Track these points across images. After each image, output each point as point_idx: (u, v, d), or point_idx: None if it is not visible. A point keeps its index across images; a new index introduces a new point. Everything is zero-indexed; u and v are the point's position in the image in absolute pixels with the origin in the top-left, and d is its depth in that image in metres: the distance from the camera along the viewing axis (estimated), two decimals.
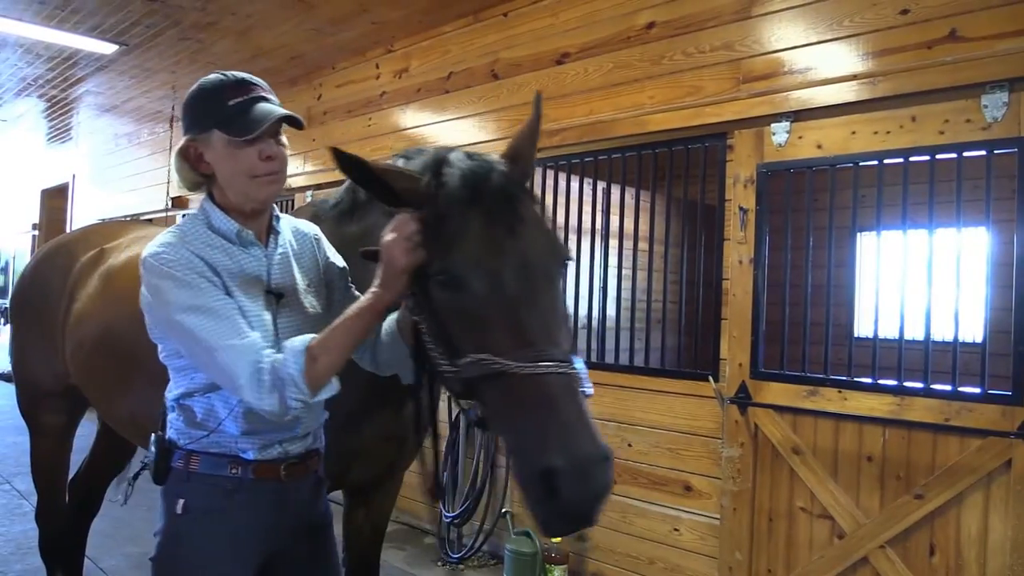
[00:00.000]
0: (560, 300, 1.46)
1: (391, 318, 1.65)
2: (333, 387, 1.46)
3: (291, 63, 5.75)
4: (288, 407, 1.40)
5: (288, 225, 1.72)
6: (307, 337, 1.43)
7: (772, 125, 3.29)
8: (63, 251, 3.00)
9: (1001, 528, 2.67)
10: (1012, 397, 2.66)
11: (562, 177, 4.26)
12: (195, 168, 1.57)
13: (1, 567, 3.86)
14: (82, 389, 2.73)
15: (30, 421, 3.08)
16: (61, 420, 3.02)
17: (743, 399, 3.32)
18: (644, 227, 4.04)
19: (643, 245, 4.03)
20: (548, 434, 1.24)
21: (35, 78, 6.64)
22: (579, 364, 1.35)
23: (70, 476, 3.23)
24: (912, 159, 2.94)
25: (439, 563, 4.29)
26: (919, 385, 2.87)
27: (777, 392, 3.24)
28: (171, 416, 1.60)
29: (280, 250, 1.65)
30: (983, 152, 2.79)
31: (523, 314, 1.34)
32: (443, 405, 4.24)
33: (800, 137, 3.23)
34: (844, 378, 3.08)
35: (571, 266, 3.14)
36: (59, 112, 7.92)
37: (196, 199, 6.83)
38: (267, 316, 1.54)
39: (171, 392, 1.60)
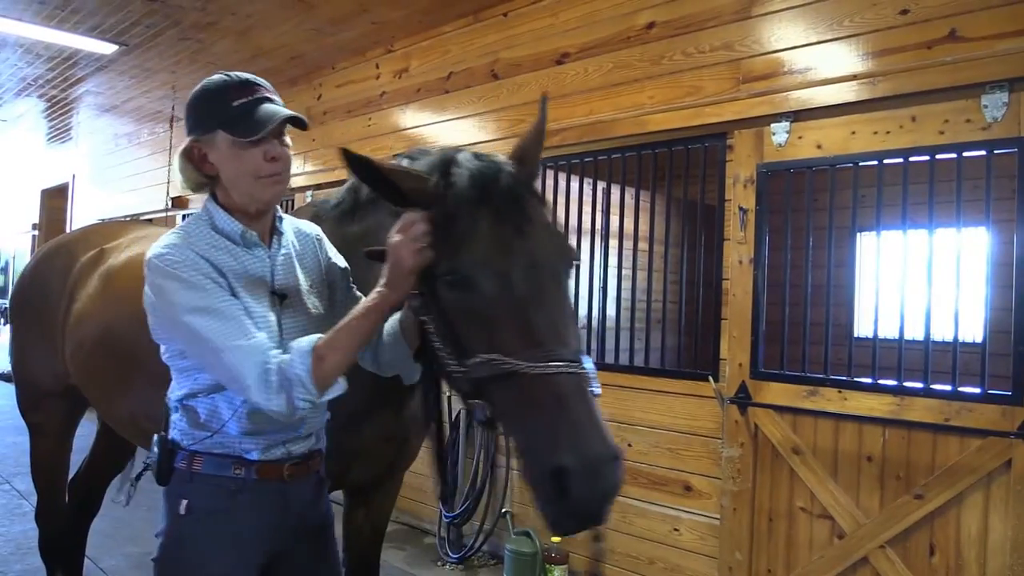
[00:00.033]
0: (568, 300, 1.48)
1: (393, 319, 1.65)
2: (340, 386, 1.46)
3: (291, 63, 5.75)
4: (296, 407, 1.40)
5: (290, 226, 1.72)
6: (313, 337, 1.43)
7: (772, 125, 3.29)
8: (63, 251, 3.00)
9: (1001, 528, 2.67)
10: (1012, 397, 2.66)
11: (562, 177, 4.26)
12: (199, 169, 1.57)
13: (1, 567, 3.86)
14: (82, 389, 2.73)
15: (30, 421, 3.08)
16: (61, 420, 3.02)
17: (743, 399, 3.32)
18: (644, 227, 4.04)
19: (643, 245, 4.03)
20: (559, 434, 1.25)
21: (35, 78, 6.64)
22: (588, 363, 1.36)
23: (70, 476, 3.23)
24: (912, 159, 2.94)
25: (439, 563, 4.29)
26: (919, 385, 2.87)
27: (777, 392, 3.24)
28: (174, 417, 1.60)
29: (283, 251, 1.65)
30: (983, 152, 2.79)
31: (533, 314, 1.35)
32: (443, 405, 4.23)
33: (800, 137, 3.23)
34: (844, 378, 3.08)
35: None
36: (59, 112, 7.92)
37: (196, 199, 6.83)
38: (272, 317, 1.54)
39: (174, 393, 1.60)
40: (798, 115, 3.22)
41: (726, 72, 3.47)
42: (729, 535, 3.35)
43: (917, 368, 2.91)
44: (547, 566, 3.78)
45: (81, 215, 9.71)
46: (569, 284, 1.52)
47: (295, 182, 5.88)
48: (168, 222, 7.65)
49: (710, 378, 3.43)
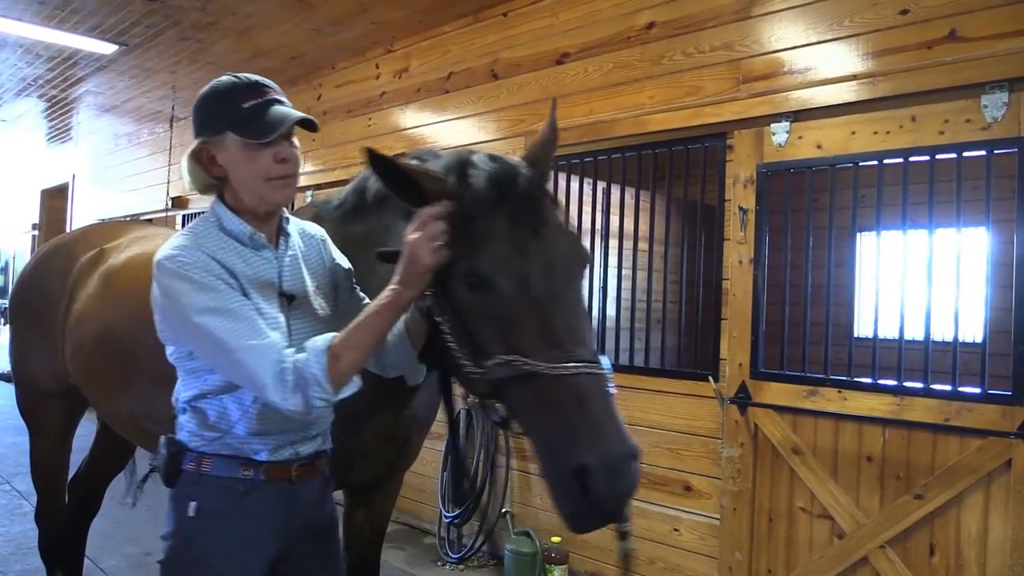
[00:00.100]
0: (583, 301, 1.49)
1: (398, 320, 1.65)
2: (354, 385, 1.47)
3: (291, 63, 5.75)
4: (312, 406, 1.40)
5: (296, 227, 1.72)
6: (328, 336, 1.43)
7: (772, 125, 3.29)
8: (63, 251, 3.00)
9: (1001, 528, 2.67)
10: (1012, 397, 2.66)
11: (562, 177, 4.26)
12: (207, 170, 1.57)
13: (1, 567, 3.86)
14: (82, 389, 2.73)
15: (30, 421, 3.08)
16: (61, 420, 3.02)
17: (743, 399, 3.32)
18: (644, 227, 4.04)
19: (643, 245, 4.03)
20: (580, 433, 1.28)
21: (35, 78, 6.64)
22: (606, 363, 1.39)
23: (70, 476, 3.23)
24: (912, 159, 2.94)
25: (439, 563, 4.29)
26: (919, 385, 2.87)
27: (777, 392, 3.24)
28: (182, 418, 1.60)
29: (290, 252, 1.65)
30: (983, 152, 2.79)
31: (551, 315, 1.37)
32: (442, 405, 4.23)
33: (800, 137, 3.23)
34: (844, 378, 3.08)
35: None
36: (59, 112, 7.92)
37: (196, 200, 6.83)
38: (282, 318, 1.54)
39: (182, 394, 1.59)
40: (798, 115, 3.22)
41: (726, 72, 3.47)
42: (729, 535, 3.35)
43: (917, 368, 2.91)
44: (547, 566, 3.78)
45: (81, 215, 9.71)
46: (582, 285, 1.54)
47: None
48: (168, 222, 7.65)
49: (710, 378, 3.43)
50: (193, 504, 1.53)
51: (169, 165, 7.85)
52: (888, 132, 2.98)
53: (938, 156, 2.89)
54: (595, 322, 4.18)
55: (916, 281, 3.07)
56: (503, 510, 4.21)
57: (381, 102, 5.35)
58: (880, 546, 2.92)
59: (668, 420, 3.61)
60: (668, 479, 3.60)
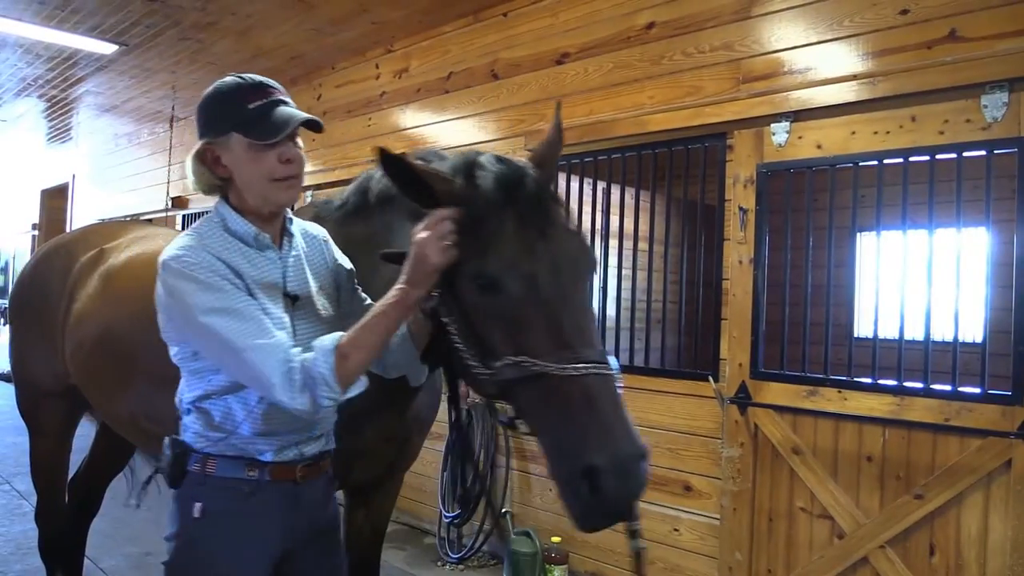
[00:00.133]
0: (590, 302, 1.51)
1: None
2: (361, 385, 1.47)
3: (291, 63, 5.75)
4: (320, 406, 1.40)
5: (298, 228, 1.72)
6: (335, 335, 1.43)
7: (772, 125, 3.29)
8: (62, 251, 2.99)
9: (1001, 528, 2.67)
10: (1012, 397, 2.66)
11: (562, 177, 4.26)
12: (212, 171, 1.57)
13: (1, 567, 3.86)
14: (82, 389, 2.72)
15: (30, 421, 3.08)
16: (61, 420, 3.02)
17: (743, 399, 3.32)
18: (644, 227, 4.04)
19: (643, 245, 4.03)
20: (589, 434, 1.29)
21: (35, 78, 6.64)
22: (614, 363, 1.40)
23: (70, 476, 3.23)
24: (912, 159, 2.94)
25: (439, 563, 4.29)
26: (919, 385, 2.87)
27: (777, 392, 3.24)
28: (187, 419, 1.60)
29: (294, 253, 1.65)
30: (983, 152, 2.79)
31: (559, 316, 1.38)
32: (442, 405, 4.23)
33: (800, 137, 3.23)
34: (844, 378, 3.08)
35: None
36: (59, 112, 7.92)
37: (196, 200, 6.82)
38: (287, 318, 1.54)
39: (186, 395, 1.59)
40: (798, 115, 3.22)
41: (726, 72, 3.47)
42: (729, 535, 3.35)
43: (917, 368, 2.91)
44: (547, 566, 3.78)
45: (81, 215, 9.72)
46: (589, 286, 1.55)
47: None
48: (168, 222, 7.65)
49: (710, 378, 3.43)
50: (198, 505, 1.53)
51: (169, 165, 7.85)
52: (888, 132, 2.98)
53: (938, 156, 2.89)
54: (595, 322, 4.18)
55: (916, 281, 3.07)
56: (503, 510, 4.21)
57: (381, 102, 5.35)
58: (880, 546, 2.92)
59: (668, 420, 3.61)
60: (668, 479, 3.59)
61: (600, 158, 4.03)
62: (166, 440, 1.60)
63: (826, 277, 3.21)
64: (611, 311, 4.19)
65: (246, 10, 4.78)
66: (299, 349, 1.43)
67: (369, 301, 1.75)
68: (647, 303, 3.90)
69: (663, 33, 3.72)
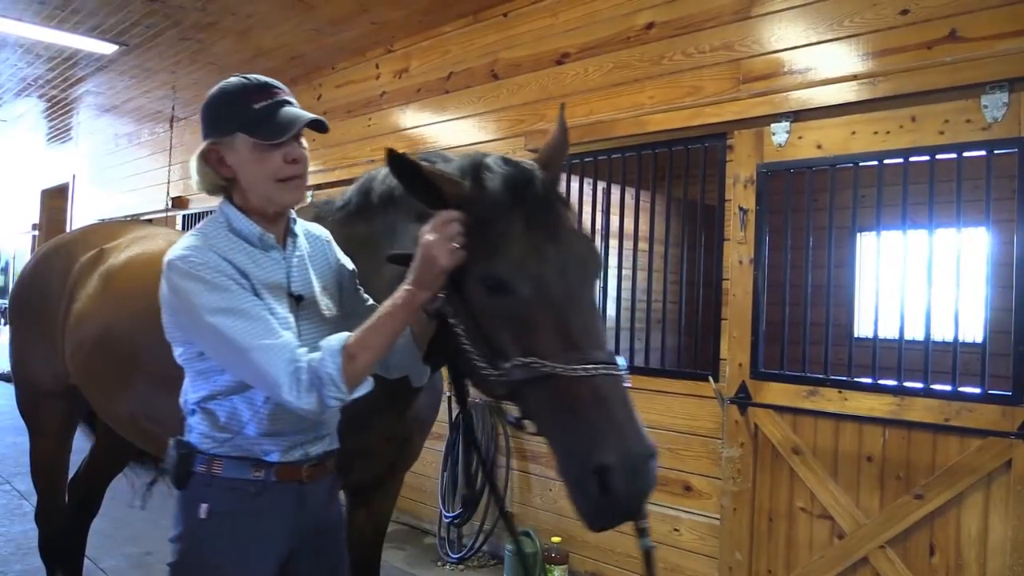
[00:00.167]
0: (597, 303, 1.51)
1: None
2: (367, 385, 1.47)
3: (291, 63, 5.75)
4: (326, 406, 1.41)
5: (301, 228, 1.72)
6: (342, 335, 1.43)
7: (772, 125, 3.29)
8: (62, 251, 2.99)
9: (1001, 528, 2.67)
10: (1012, 397, 2.66)
11: (562, 177, 4.26)
12: (216, 171, 1.57)
13: (1, 567, 3.86)
14: (82, 389, 2.72)
15: (30, 421, 3.08)
16: (61, 420, 3.02)
17: (743, 399, 3.32)
18: (644, 227, 4.04)
19: (643, 245, 4.02)
20: (600, 434, 1.30)
21: (35, 78, 6.65)
22: (622, 363, 1.40)
23: (70, 476, 3.23)
24: (912, 159, 2.94)
25: (439, 563, 4.29)
26: (919, 385, 2.87)
27: (777, 392, 3.24)
28: (192, 420, 1.59)
29: (297, 253, 1.65)
30: (983, 152, 2.79)
31: (568, 317, 1.40)
32: (443, 406, 4.24)
33: (800, 137, 3.23)
34: (844, 378, 3.08)
35: None
36: (59, 112, 7.92)
37: (196, 200, 6.80)
38: (292, 318, 1.55)
39: (191, 395, 1.59)
40: (798, 115, 3.22)
41: (726, 72, 3.47)
42: (729, 535, 3.35)
43: (917, 368, 2.91)
44: (547, 566, 3.78)
45: (81, 215, 9.72)
46: (596, 287, 1.56)
47: None
48: (168, 222, 7.65)
49: (710, 378, 3.43)
50: (204, 506, 1.53)
51: (169, 165, 7.86)
52: (888, 132, 2.98)
53: (938, 156, 2.89)
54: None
55: (916, 281, 3.07)
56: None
57: (381, 102, 5.35)
58: (880, 546, 2.92)
59: (668, 420, 3.61)
60: (668, 479, 3.59)
61: (600, 158, 4.03)
62: (171, 441, 1.59)
63: (826, 277, 3.21)
64: (611, 311, 4.18)
65: (246, 10, 4.79)
66: (305, 349, 1.43)
67: (371, 301, 1.75)
68: (647, 303, 3.90)
69: (663, 33, 3.72)
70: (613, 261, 4.14)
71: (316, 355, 1.41)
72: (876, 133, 3.01)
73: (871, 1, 3.03)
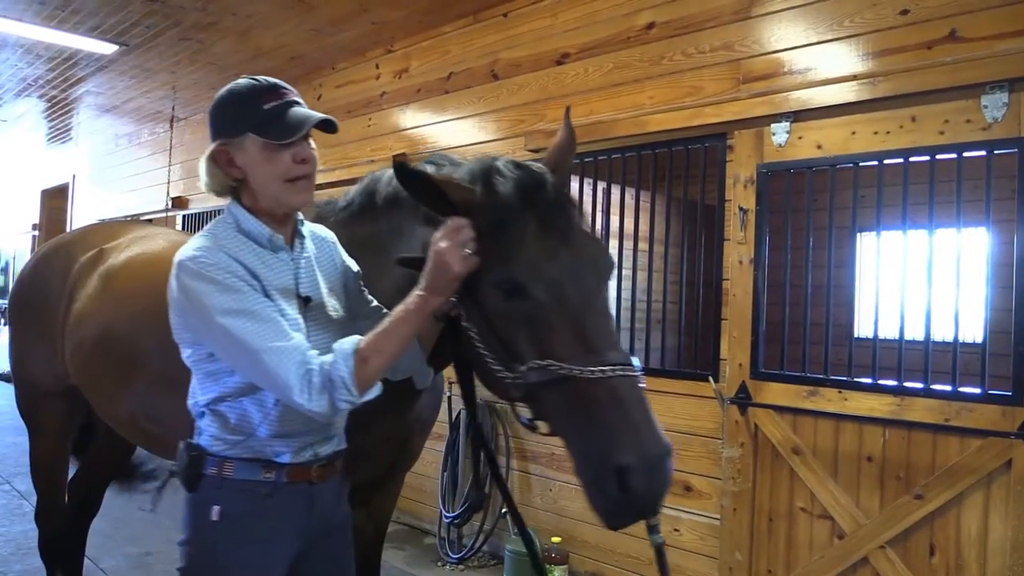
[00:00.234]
0: (610, 304, 1.53)
1: None
2: (377, 389, 1.48)
3: (291, 63, 5.75)
4: (337, 409, 1.41)
5: (308, 230, 1.72)
6: (354, 339, 1.43)
7: (772, 125, 3.29)
8: (62, 251, 2.99)
9: (1001, 528, 2.67)
10: (1012, 397, 2.66)
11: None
12: (225, 172, 1.57)
13: (1, 567, 3.86)
14: (82, 389, 2.72)
15: (30, 421, 3.08)
16: (61, 420, 3.02)
17: (743, 399, 3.32)
18: (644, 227, 4.04)
19: (643, 245, 4.02)
20: (619, 434, 1.32)
21: (35, 78, 6.65)
22: (637, 364, 1.42)
23: (70, 476, 3.22)
24: (912, 159, 2.94)
25: (439, 563, 4.29)
26: (919, 385, 2.87)
27: (777, 392, 3.24)
28: (201, 422, 1.59)
29: (305, 254, 1.65)
30: (983, 152, 2.79)
31: (584, 320, 1.41)
32: (443, 406, 4.24)
33: (800, 137, 3.23)
34: (844, 378, 3.08)
35: None
36: (59, 112, 7.92)
37: (196, 200, 6.80)
38: (302, 320, 1.55)
39: (200, 397, 1.58)
40: (798, 115, 3.22)
41: (726, 72, 3.47)
42: (729, 535, 3.35)
43: (917, 368, 2.91)
44: (547, 566, 3.78)
45: (81, 215, 9.72)
46: (609, 289, 1.58)
47: None
48: (168, 222, 7.65)
49: (710, 378, 3.43)
50: (216, 508, 1.52)
51: (169, 165, 7.86)
52: (888, 132, 2.98)
53: (938, 156, 2.89)
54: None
55: (916, 281, 3.07)
56: (503, 510, 4.20)
57: (381, 102, 5.35)
58: (880, 546, 2.91)
59: (668, 420, 3.61)
60: None
61: (600, 158, 4.03)
62: (181, 444, 1.59)
63: (826, 277, 3.21)
64: (611, 311, 4.18)
65: (246, 10, 4.79)
66: (316, 352, 1.43)
67: (375, 303, 1.75)
68: (647, 303, 3.90)
69: (663, 33, 3.72)
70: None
71: (328, 358, 1.41)
72: (876, 133, 3.01)
73: (871, 1, 3.03)
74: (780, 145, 3.27)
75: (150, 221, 7.34)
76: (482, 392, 1.63)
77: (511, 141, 4.36)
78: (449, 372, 1.80)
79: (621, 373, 1.36)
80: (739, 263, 3.39)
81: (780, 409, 3.22)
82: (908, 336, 2.99)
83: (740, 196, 3.39)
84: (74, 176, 10.17)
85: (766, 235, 3.33)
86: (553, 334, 1.40)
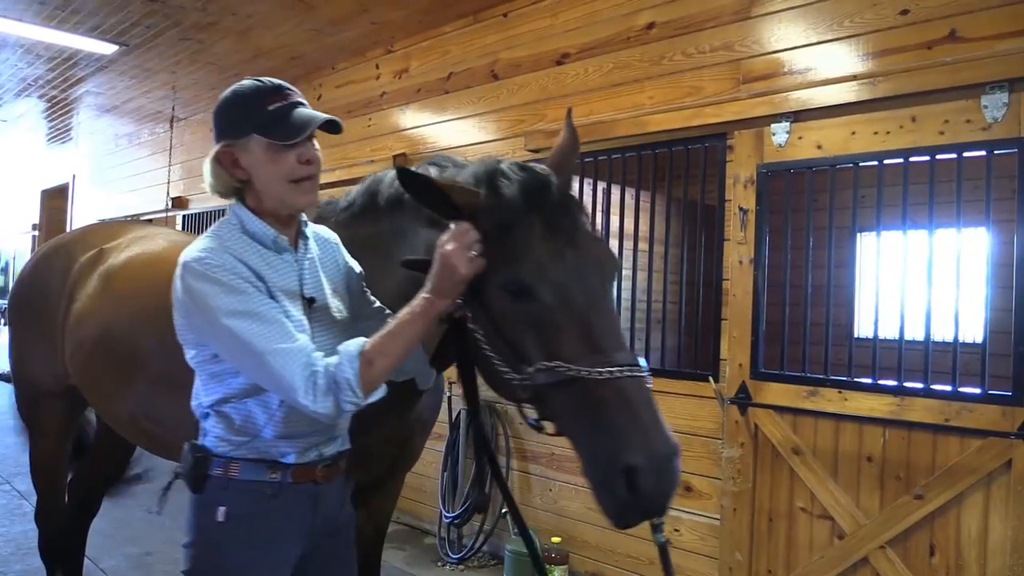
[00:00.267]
0: (615, 305, 1.52)
1: None
2: (381, 390, 1.48)
3: (291, 63, 5.75)
4: (342, 410, 1.41)
5: (311, 231, 1.72)
6: (359, 341, 1.43)
7: (772, 125, 3.29)
8: (62, 251, 2.99)
9: (1001, 528, 2.67)
10: (1012, 397, 2.66)
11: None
12: (229, 173, 1.56)
13: (1, 567, 3.86)
14: (82, 389, 2.72)
15: (30, 421, 3.08)
16: (61, 420, 3.02)
17: (743, 399, 3.32)
18: (644, 227, 4.04)
19: (643, 245, 4.02)
20: (627, 435, 1.32)
21: (35, 78, 6.65)
22: (644, 364, 1.42)
23: (70, 476, 3.22)
24: (912, 159, 2.94)
25: (439, 563, 4.29)
26: (919, 385, 2.87)
27: (777, 392, 3.24)
28: (206, 423, 1.59)
29: (309, 256, 1.65)
30: (983, 152, 2.79)
31: (591, 321, 1.41)
32: (444, 406, 4.24)
33: (800, 137, 3.23)
34: (844, 378, 3.08)
35: None
36: (59, 112, 7.92)
37: (196, 200, 6.79)
38: (306, 321, 1.55)
39: (204, 398, 1.58)
40: (798, 115, 3.22)
41: (726, 72, 3.47)
42: (729, 535, 3.35)
43: (917, 368, 2.91)
44: (547, 566, 3.78)
45: (81, 215, 9.72)
46: (614, 289, 1.58)
47: None
48: (168, 222, 7.65)
49: (710, 378, 3.43)
50: (222, 509, 1.52)
51: (169, 165, 7.86)
52: (888, 132, 2.98)
53: (938, 156, 2.89)
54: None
55: (916, 281, 3.07)
56: (503, 510, 4.20)
57: (381, 102, 5.35)
58: (880, 546, 2.92)
59: (668, 420, 3.58)
60: None
61: (600, 158, 4.03)
62: (186, 445, 1.59)
63: (826, 277, 3.21)
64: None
65: (246, 10, 4.79)
66: (321, 353, 1.43)
67: (378, 304, 1.75)
68: (647, 303, 3.90)
69: (663, 33, 3.72)
70: None
71: (333, 359, 1.41)
72: (876, 133, 3.01)
73: (871, 1, 3.03)
74: (780, 145, 3.27)
75: (150, 221, 7.34)
76: (482, 392, 1.63)
77: (511, 141, 4.36)
78: (449, 372, 1.80)
79: (629, 374, 1.36)
80: (739, 263, 3.39)
81: (780, 409, 3.22)
82: (908, 336, 2.99)
83: (740, 196, 3.39)
84: (74, 176, 10.17)
85: (766, 235, 3.33)
86: (560, 335, 1.40)
